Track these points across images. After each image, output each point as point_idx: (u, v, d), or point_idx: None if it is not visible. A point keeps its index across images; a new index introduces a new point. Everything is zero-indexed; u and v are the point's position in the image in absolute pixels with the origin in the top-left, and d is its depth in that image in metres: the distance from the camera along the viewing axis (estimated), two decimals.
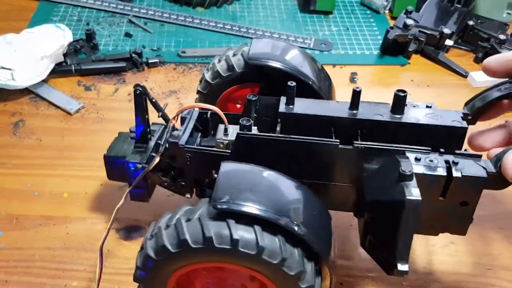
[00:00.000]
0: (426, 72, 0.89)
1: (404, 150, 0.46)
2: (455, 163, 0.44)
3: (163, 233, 0.42)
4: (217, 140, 0.50)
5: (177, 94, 0.81)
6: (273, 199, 0.42)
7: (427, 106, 0.51)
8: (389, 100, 0.49)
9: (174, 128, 0.52)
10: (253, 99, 0.52)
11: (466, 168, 0.44)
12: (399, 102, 0.48)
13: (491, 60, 0.49)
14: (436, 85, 0.87)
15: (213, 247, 0.40)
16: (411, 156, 0.45)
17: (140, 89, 0.51)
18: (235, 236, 0.39)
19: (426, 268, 0.58)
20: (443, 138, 0.48)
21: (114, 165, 0.55)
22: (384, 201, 0.44)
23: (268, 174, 0.44)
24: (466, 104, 0.51)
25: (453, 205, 0.46)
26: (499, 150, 0.48)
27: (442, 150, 0.46)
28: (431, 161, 0.45)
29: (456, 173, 0.44)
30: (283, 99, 0.51)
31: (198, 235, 0.40)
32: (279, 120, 0.50)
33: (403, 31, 0.88)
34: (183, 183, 0.53)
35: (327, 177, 0.49)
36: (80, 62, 0.84)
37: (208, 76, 0.59)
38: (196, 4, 1.01)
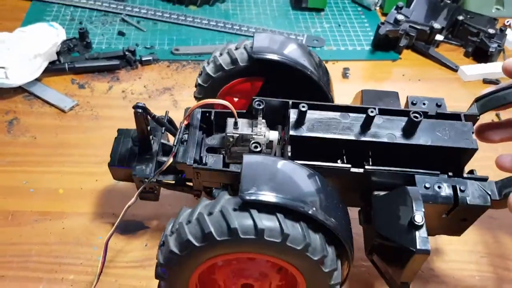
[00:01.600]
0: (417, 66, 0.90)
1: (413, 174, 0.47)
2: (462, 191, 0.46)
3: (186, 228, 0.42)
4: (227, 134, 0.50)
5: (171, 91, 0.81)
6: (297, 189, 0.43)
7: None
8: None
9: (184, 129, 0.52)
10: (260, 107, 0.51)
11: (471, 196, 0.46)
12: (413, 125, 0.47)
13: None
14: (427, 79, 0.88)
15: (238, 238, 0.40)
16: (421, 183, 0.46)
17: (140, 110, 0.50)
18: (259, 226, 0.39)
19: None
20: (453, 158, 0.48)
21: (120, 171, 0.55)
22: (394, 239, 0.45)
23: (288, 165, 0.44)
24: (477, 100, 0.50)
25: (454, 220, 0.48)
26: (505, 155, 0.48)
27: (450, 174, 0.48)
28: (439, 187, 0.46)
29: (462, 201, 0.46)
30: (293, 112, 0.49)
31: (222, 227, 0.40)
32: (290, 142, 0.49)
33: (394, 27, 0.89)
34: (192, 186, 0.53)
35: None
36: (74, 60, 0.84)
37: (209, 69, 0.58)
38: (188, 3, 1.02)
